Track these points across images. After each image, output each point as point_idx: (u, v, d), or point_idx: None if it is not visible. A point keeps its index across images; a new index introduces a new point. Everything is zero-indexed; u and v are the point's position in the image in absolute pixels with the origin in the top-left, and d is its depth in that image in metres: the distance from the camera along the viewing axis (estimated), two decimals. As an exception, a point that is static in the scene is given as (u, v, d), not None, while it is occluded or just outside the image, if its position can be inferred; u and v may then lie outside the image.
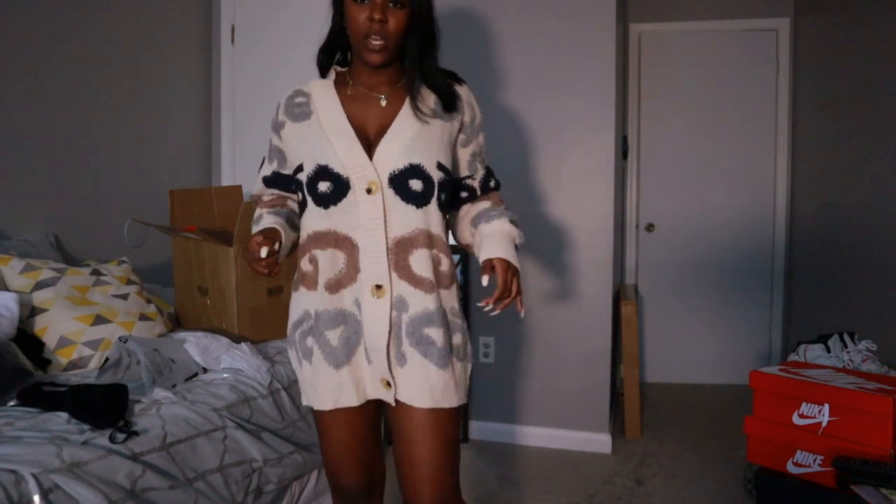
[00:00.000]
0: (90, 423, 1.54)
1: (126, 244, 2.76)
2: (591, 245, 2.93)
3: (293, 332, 1.41)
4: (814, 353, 2.67)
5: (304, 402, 1.42)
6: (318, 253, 1.35)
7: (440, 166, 1.33)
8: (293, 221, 1.48)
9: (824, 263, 3.58)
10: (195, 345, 2.05)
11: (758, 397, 2.36)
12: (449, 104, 1.37)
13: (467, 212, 1.51)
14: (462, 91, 1.42)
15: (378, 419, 1.46)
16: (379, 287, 1.31)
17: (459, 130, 1.41)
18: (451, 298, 1.38)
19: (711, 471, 2.74)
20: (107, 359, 1.95)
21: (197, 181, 3.28)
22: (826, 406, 2.16)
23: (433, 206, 1.34)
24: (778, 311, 4.01)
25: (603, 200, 2.91)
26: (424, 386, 1.31)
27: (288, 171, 1.44)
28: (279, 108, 1.43)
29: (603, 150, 2.90)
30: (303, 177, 1.34)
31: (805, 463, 2.18)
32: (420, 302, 1.32)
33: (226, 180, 3.38)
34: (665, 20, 4.02)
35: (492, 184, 1.53)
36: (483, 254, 1.36)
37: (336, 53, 1.41)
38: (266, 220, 1.45)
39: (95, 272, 2.30)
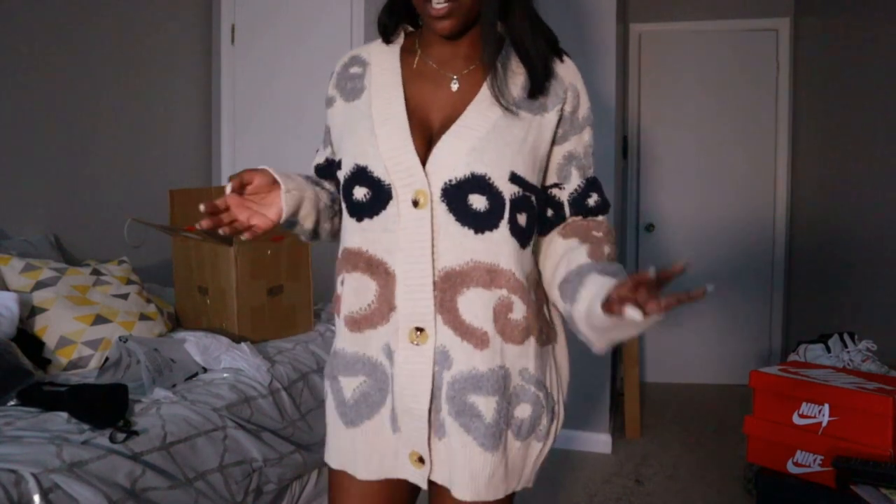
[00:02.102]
0: (90, 423, 1.54)
1: (126, 244, 2.76)
2: (591, 245, 2.93)
3: (329, 363, 1.11)
4: (814, 353, 2.67)
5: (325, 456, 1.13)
6: (346, 276, 1.04)
7: (515, 178, 0.98)
8: (332, 196, 1.13)
9: (824, 263, 3.58)
10: (195, 345, 2.05)
11: (758, 397, 2.36)
12: (538, 85, 1.00)
13: (553, 247, 1.08)
14: (562, 70, 1.04)
15: (413, 497, 1.11)
16: (420, 331, 0.98)
17: (557, 124, 1.03)
18: (524, 358, 1.01)
19: (711, 471, 2.74)
20: (107, 359, 1.95)
21: (197, 181, 3.28)
22: (826, 406, 2.16)
23: (502, 231, 0.98)
24: (778, 311, 4.01)
25: (603, 200, 2.91)
26: (464, 471, 0.98)
27: (335, 149, 1.13)
28: (331, 80, 1.12)
29: (603, 150, 2.90)
30: (340, 176, 1.05)
31: (805, 463, 2.18)
32: (467, 359, 0.98)
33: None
34: (665, 20, 4.02)
35: (591, 202, 1.10)
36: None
37: (402, 12, 1.08)
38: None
39: (95, 272, 2.30)
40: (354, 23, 3.14)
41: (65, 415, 1.58)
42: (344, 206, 1.05)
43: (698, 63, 3.98)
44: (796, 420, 2.23)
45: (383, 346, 1.01)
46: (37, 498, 1.28)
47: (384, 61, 1.06)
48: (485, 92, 1.00)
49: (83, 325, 2.08)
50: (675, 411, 3.53)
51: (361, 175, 1.00)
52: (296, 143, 3.26)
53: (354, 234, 1.03)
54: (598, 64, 2.87)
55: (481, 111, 0.99)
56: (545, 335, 1.07)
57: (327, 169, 1.16)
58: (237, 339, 2.25)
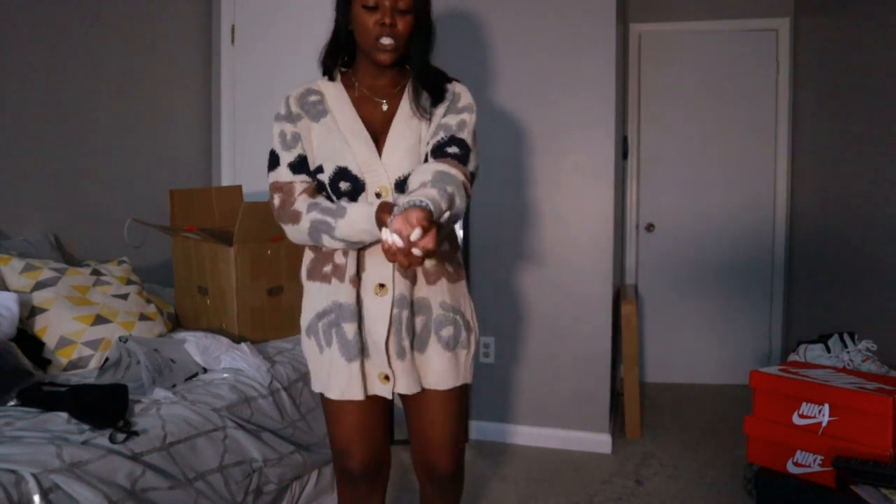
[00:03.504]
0: (90, 423, 1.54)
1: (126, 244, 2.76)
2: (591, 245, 2.93)
3: (316, 322, 1.46)
4: (814, 353, 2.67)
5: (317, 389, 1.51)
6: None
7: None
8: None
9: (824, 263, 3.58)
10: (195, 345, 2.05)
11: (758, 397, 2.36)
12: (438, 99, 1.45)
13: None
14: (452, 86, 1.49)
15: (383, 408, 1.52)
16: (382, 286, 1.39)
17: (445, 113, 1.45)
18: (453, 292, 1.47)
19: (711, 471, 2.74)
20: (107, 359, 1.95)
21: (197, 181, 3.29)
22: (826, 406, 2.16)
23: None
24: (778, 311, 4.01)
25: (603, 200, 2.91)
26: (426, 372, 1.45)
27: (310, 158, 1.45)
28: (290, 101, 1.45)
29: (603, 150, 2.90)
30: (324, 178, 1.41)
31: (805, 463, 2.18)
32: (415, 296, 1.42)
33: (226, 180, 3.38)
34: (665, 20, 4.02)
35: (450, 150, 1.40)
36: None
37: (341, 56, 1.48)
38: (354, 208, 1.35)
39: (95, 272, 2.30)
40: (354, 23, 3.14)
41: (65, 415, 1.58)
42: (332, 195, 1.41)
43: (698, 63, 3.97)
44: (796, 420, 2.23)
45: (358, 297, 1.41)
46: (37, 498, 1.28)
47: (335, 93, 1.46)
48: (406, 108, 1.44)
49: (83, 325, 2.08)
50: (675, 411, 3.53)
51: (344, 173, 1.39)
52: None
53: None
54: (597, 64, 2.87)
55: (407, 121, 1.43)
56: (456, 275, 1.50)
57: (300, 164, 1.44)
58: (237, 340, 2.25)
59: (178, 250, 2.51)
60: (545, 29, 2.91)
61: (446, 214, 1.23)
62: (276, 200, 1.44)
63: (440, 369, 1.45)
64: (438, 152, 1.41)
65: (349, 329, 1.40)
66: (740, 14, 3.95)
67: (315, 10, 3.22)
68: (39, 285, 2.10)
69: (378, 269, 1.39)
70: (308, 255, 1.51)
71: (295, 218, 1.40)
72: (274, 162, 1.46)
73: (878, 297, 2.95)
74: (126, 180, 2.88)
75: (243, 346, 2.12)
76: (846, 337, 2.67)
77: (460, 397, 1.51)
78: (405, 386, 1.43)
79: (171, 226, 2.48)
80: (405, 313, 1.40)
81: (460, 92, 1.49)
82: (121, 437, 1.52)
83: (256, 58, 3.32)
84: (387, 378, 1.43)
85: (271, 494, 1.93)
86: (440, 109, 1.44)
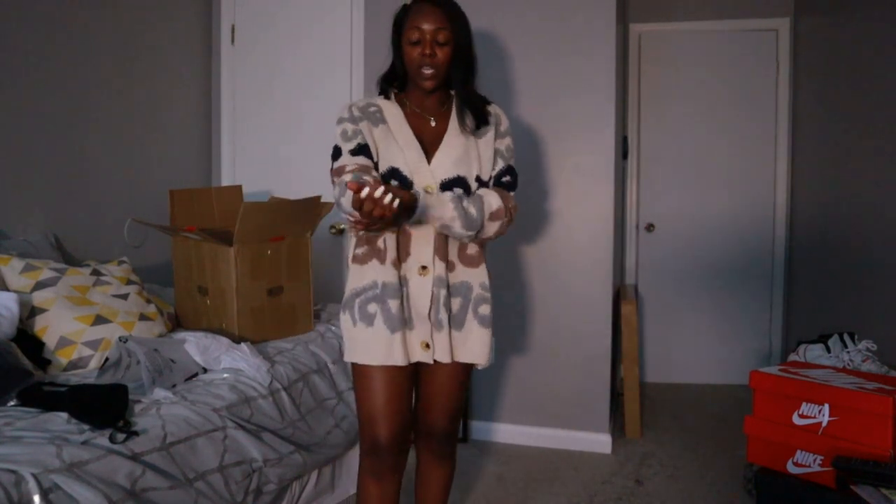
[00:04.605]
0: (90, 423, 1.54)
1: (126, 244, 2.76)
2: (591, 245, 2.93)
3: (354, 299, 1.65)
4: (814, 353, 2.67)
5: (351, 358, 1.66)
6: (388, 236, 1.62)
7: (478, 179, 1.67)
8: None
9: (824, 263, 3.58)
10: (195, 345, 2.05)
11: (758, 397, 2.37)
12: (481, 121, 1.69)
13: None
14: (492, 108, 1.74)
15: (411, 379, 1.71)
16: (424, 268, 1.63)
17: (495, 135, 1.72)
18: (480, 275, 1.70)
19: (711, 471, 2.74)
20: (107, 359, 1.95)
21: (197, 181, 3.29)
22: (826, 406, 2.16)
23: None
24: (778, 311, 4.01)
25: (603, 200, 2.91)
26: (457, 344, 1.66)
27: (372, 147, 1.64)
28: (352, 108, 1.67)
29: (603, 150, 2.90)
30: (376, 174, 1.62)
31: (805, 463, 2.18)
32: (452, 279, 1.66)
33: (226, 180, 3.38)
34: (665, 20, 4.03)
35: (504, 179, 1.73)
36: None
37: (394, 82, 1.73)
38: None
39: (95, 272, 2.30)
40: (354, 23, 3.15)
41: (65, 415, 1.58)
42: None
43: (698, 63, 3.97)
44: (796, 420, 2.23)
45: (402, 277, 1.63)
46: (37, 498, 1.28)
47: (390, 107, 1.70)
48: (454, 125, 1.69)
49: (83, 325, 2.08)
50: (675, 411, 3.53)
51: (394, 173, 1.62)
52: (295, 142, 3.26)
53: None
54: (598, 64, 2.87)
55: (455, 136, 1.67)
56: (482, 262, 1.73)
57: (361, 149, 1.64)
58: (237, 340, 2.24)
59: (178, 250, 2.51)
60: (546, 30, 2.91)
61: (443, 219, 1.58)
62: (335, 187, 1.61)
63: (477, 345, 1.67)
64: (497, 181, 1.72)
65: (393, 304, 1.60)
66: (740, 14, 3.95)
67: (315, 11, 3.23)
68: (39, 285, 2.10)
69: (420, 254, 1.62)
70: (352, 241, 1.72)
71: (338, 192, 1.58)
72: (336, 153, 1.66)
73: (878, 297, 2.96)
74: (126, 180, 2.88)
75: (243, 346, 2.12)
76: (846, 337, 2.67)
77: (468, 372, 1.76)
78: (442, 354, 1.64)
79: (171, 226, 2.48)
80: (443, 292, 1.63)
81: (499, 114, 1.75)
82: (121, 437, 1.52)
83: (256, 58, 3.32)
84: (427, 346, 1.63)
85: (271, 494, 1.93)
86: (489, 133, 1.71)
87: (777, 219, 3.98)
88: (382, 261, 1.63)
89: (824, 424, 2.15)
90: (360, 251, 1.67)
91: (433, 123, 1.70)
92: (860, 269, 3.17)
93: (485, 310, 1.69)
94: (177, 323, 2.53)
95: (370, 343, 1.62)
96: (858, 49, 3.23)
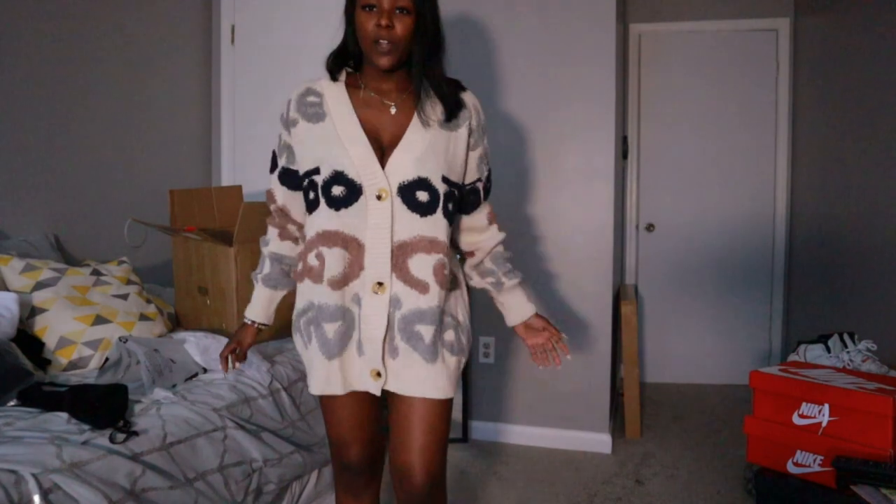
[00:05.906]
0: (90, 423, 1.54)
1: (126, 244, 2.76)
2: (591, 245, 2.93)
3: (298, 319, 1.49)
4: (814, 353, 2.67)
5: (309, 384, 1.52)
6: (324, 250, 1.39)
7: (445, 179, 1.40)
8: (286, 275, 1.59)
9: (824, 263, 3.58)
10: (195, 345, 2.05)
11: (758, 397, 2.37)
12: (452, 112, 1.42)
13: (469, 229, 1.58)
14: (466, 97, 1.47)
15: (376, 403, 1.53)
16: (380, 284, 1.38)
17: (469, 135, 1.46)
18: (451, 299, 1.48)
19: (711, 471, 2.74)
20: (107, 359, 1.95)
21: (197, 181, 3.29)
22: (826, 406, 2.16)
23: (438, 215, 1.39)
24: (778, 311, 4.01)
25: (603, 200, 2.91)
26: (414, 377, 1.41)
27: (296, 167, 1.47)
28: (289, 105, 1.45)
29: (603, 150, 2.90)
30: (318, 179, 1.39)
31: (805, 463, 2.18)
32: (413, 301, 1.39)
33: (226, 180, 3.38)
34: (665, 20, 4.03)
35: (488, 186, 1.58)
36: (518, 316, 1.61)
37: (346, 61, 1.46)
38: (258, 293, 1.61)
39: (95, 272, 2.30)
40: (354, 23, 3.14)
41: (65, 415, 1.58)
42: (322, 200, 1.38)
43: (698, 63, 3.98)
44: (796, 420, 2.23)
45: (353, 296, 1.40)
46: (37, 498, 1.28)
47: (335, 94, 1.42)
48: (417, 117, 1.40)
49: (83, 325, 2.08)
50: (675, 411, 3.53)
51: (338, 178, 1.36)
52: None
53: (332, 219, 1.38)
54: (598, 64, 2.87)
55: (418, 131, 1.39)
56: (456, 282, 1.51)
57: (283, 175, 1.50)
58: (237, 340, 2.24)
59: (178, 250, 2.51)
60: (544, 30, 2.91)
61: (528, 296, 1.63)
62: (270, 207, 1.56)
63: (425, 376, 1.40)
64: (487, 194, 1.57)
65: (329, 328, 1.40)
66: (740, 14, 3.95)
67: (315, 11, 3.22)
68: (39, 285, 2.10)
69: (376, 268, 1.37)
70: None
71: (264, 240, 1.58)
72: (273, 165, 1.53)
73: (878, 297, 2.95)
74: (126, 180, 2.88)
75: (243, 346, 2.12)
76: (846, 337, 2.67)
77: (442, 410, 1.44)
78: (397, 383, 1.41)
79: (171, 226, 2.48)
80: (400, 313, 1.38)
81: (475, 104, 1.49)
82: (121, 437, 1.52)
83: (256, 58, 3.32)
84: (378, 375, 1.40)
85: (271, 494, 1.93)
86: (462, 127, 1.44)
87: (777, 218, 3.98)
88: (316, 280, 1.41)
89: (824, 424, 2.15)
90: (298, 267, 1.48)
91: (393, 111, 1.41)
92: (860, 268, 3.17)
93: (450, 335, 1.43)
94: (177, 323, 2.53)
95: (311, 370, 1.46)
96: (858, 49, 3.23)
